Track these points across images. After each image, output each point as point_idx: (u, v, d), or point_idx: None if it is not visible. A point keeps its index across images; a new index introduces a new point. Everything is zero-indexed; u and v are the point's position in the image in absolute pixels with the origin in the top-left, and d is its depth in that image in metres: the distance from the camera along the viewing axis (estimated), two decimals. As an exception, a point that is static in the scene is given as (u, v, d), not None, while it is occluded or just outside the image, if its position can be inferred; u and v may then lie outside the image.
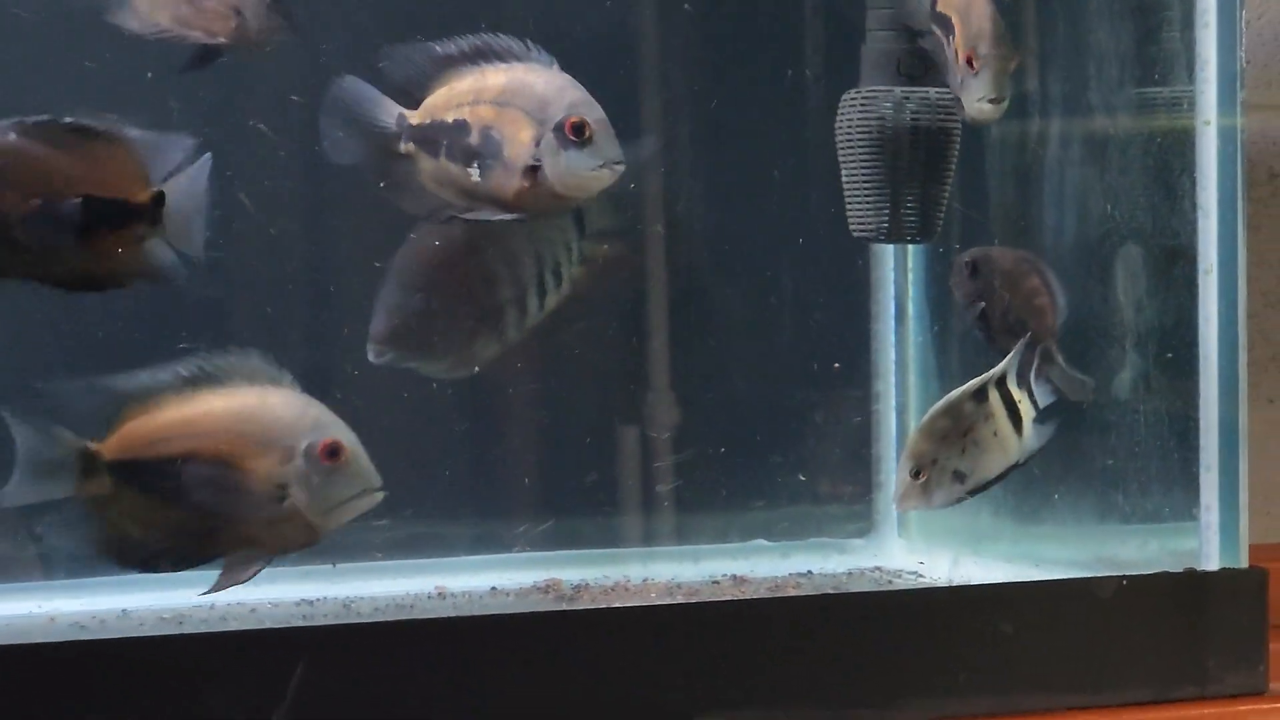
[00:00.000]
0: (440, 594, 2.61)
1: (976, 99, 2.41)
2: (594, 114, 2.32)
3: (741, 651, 2.29)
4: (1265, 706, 2.44)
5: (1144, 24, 2.65)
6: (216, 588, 2.22)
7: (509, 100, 2.33)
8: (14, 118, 2.10)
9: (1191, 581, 2.48)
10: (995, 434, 2.46)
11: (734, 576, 2.73)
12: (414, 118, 2.37)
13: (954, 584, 2.65)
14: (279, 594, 2.48)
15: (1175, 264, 2.57)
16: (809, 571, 2.78)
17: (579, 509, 2.76)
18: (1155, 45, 2.63)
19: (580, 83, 2.36)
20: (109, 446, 2.18)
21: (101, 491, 2.17)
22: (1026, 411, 2.48)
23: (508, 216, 2.34)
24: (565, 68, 2.38)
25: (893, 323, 2.92)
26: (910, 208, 2.56)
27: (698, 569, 2.75)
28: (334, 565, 2.58)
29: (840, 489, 2.90)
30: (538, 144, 2.31)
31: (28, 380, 2.30)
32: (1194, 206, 2.53)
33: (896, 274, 2.92)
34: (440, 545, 2.68)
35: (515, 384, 2.72)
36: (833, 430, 2.89)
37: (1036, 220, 2.78)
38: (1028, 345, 2.51)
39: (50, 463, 2.16)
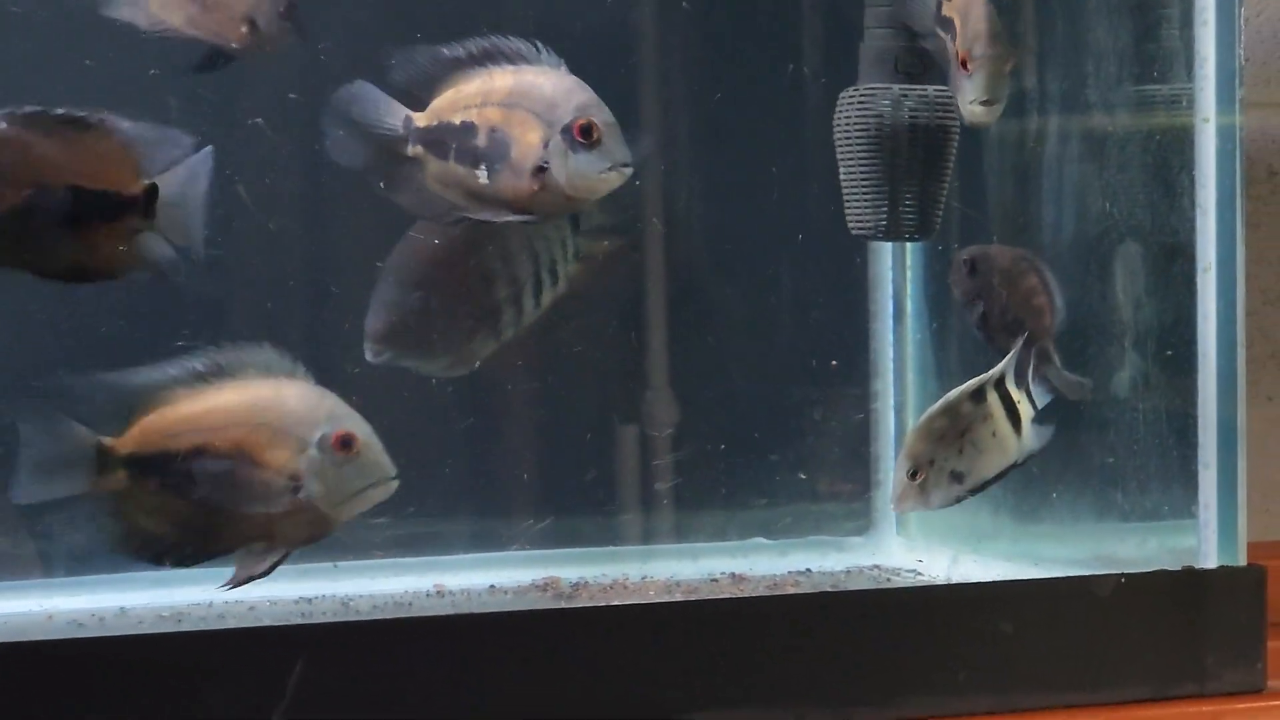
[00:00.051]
0: (439, 592, 2.61)
1: (969, 100, 2.42)
2: (602, 116, 2.31)
3: (740, 650, 2.29)
4: (1263, 704, 2.44)
5: (1143, 21, 2.65)
6: (233, 582, 2.23)
7: (517, 102, 2.32)
8: (4, 109, 2.10)
9: (1190, 579, 2.48)
10: (994, 435, 2.46)
11: (732, 574, 2.73)
12: (421, 120, 2.36)
13: (953, 582, 2.66)
14: (278, 592, 2.47)
15: (1174, 262, 2.57)
16: (807, 569, 2.78)
17: (578, 507, 2.76)
18: (1154, 42, 2.63)
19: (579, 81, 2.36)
20: (124, 441, 2.19)
21: (117, 486, 2.18)
22: (1025, 412, 2.48)
23: (515, 218, 2.33)
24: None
25: (891, 321, 2.92)
26: (909, 205, 2.56)
27: (696, 567, 2.75)
28: (335, 565, 2.58)
29: (839, 487, 2.90)
30: (546, 146, 2.30)
31: (41, 378, 2.31)
32: (1193, 204, 2.53)
33: (895, 272, 2.92)
34: (439, 543, 2.68)
35: (514, 382, 2.72)
36: (831, 428, 2.89)
37: (1035, 218, 2.78)
38: (1025, 345, 2.51)
39: (66, 459, 2.17)
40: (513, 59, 2.36)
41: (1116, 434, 2.63)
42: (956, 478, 2.45)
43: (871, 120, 2.55)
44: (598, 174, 2.31)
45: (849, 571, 2.79)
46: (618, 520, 2.79)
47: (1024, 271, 2.62)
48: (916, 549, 2.86)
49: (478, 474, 2.75)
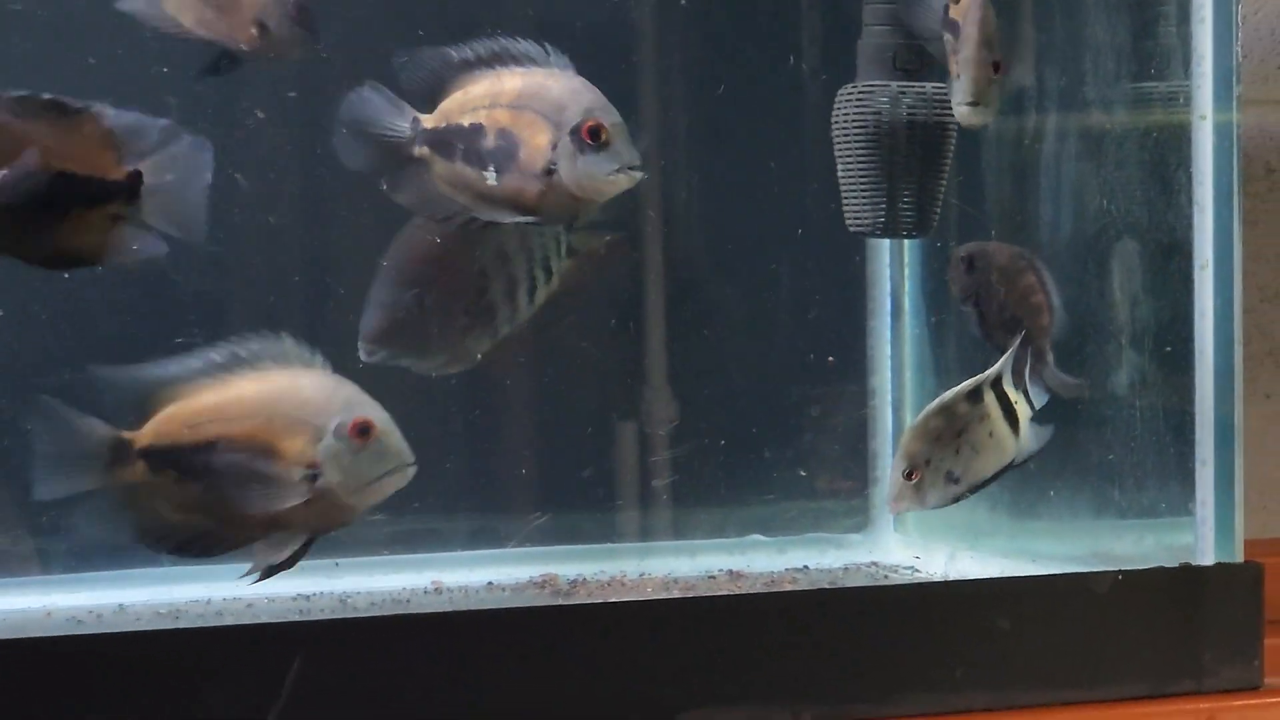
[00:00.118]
0: (436, 589, 2.61)
1: (956, 102, 2.42)
2: (610, 118, 2.31)
3: (738, 647, 2.30)
4: (1260, 701, 2.44)
5: (1140, 18, 2.65)
6: (256, 571, 2.22)
7: (525, 104, 2.32)
8: None
9: (1187, 576, 2.48)
10: (991, 435, 2.46)
11: (730, 571, 2.73)
12: (429, 121, 2.36)
13: (950, 579, 2.66)
14: (276, 589, 2.47)
15: (1172, 259, 2.57)
16: (805, 566, 2.78)
17: (575, 504, 2.76)
18: (1152, 40, 2.63)
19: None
20: (142, 434, 2.19)
21: (135, 479, 2.18)
22: (1023, 412, 2.47)
23: (523, 219, 2.33)
24: (563, 63, 2.38)
25: (889, 318, 2.92)
26: (906, 202, 2.56)
27: (694, 564, 2.75)
28: (336, 564, 2.59)
29: (836, 484, 2.91)
30: (554, 148, 2.30)
31: (56, 374, 2.31)
32: (1190, 201, 2.53)
33: (893, 269, 2.93)
34: (437, 540, 2.69)
35: (512, 379, 2.72)
36: (829, 425, 2.89)
37: (1033, 215, 2.78)
38: (1022, 344, 2.51)
39: (84, 454, 2.17)
40: (521, 61, 2.35)
41: (1114, 431, 2.63)
42: (952, 478, 2.45)
43: (870, 117, 2.55)
44: (606, 175, 2.30)
45: (847, 568, 2.79)
46: (616, 517, 2.79)
47: (1022, 269, 2.62)
48: (914, 546, 2.86)
49: (476, 471, 2.75)
